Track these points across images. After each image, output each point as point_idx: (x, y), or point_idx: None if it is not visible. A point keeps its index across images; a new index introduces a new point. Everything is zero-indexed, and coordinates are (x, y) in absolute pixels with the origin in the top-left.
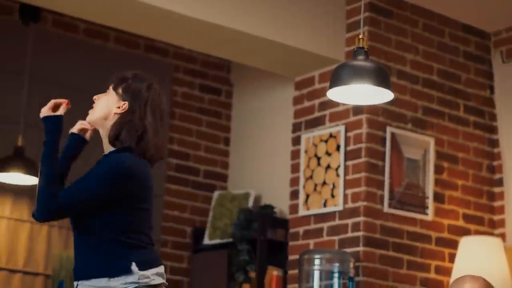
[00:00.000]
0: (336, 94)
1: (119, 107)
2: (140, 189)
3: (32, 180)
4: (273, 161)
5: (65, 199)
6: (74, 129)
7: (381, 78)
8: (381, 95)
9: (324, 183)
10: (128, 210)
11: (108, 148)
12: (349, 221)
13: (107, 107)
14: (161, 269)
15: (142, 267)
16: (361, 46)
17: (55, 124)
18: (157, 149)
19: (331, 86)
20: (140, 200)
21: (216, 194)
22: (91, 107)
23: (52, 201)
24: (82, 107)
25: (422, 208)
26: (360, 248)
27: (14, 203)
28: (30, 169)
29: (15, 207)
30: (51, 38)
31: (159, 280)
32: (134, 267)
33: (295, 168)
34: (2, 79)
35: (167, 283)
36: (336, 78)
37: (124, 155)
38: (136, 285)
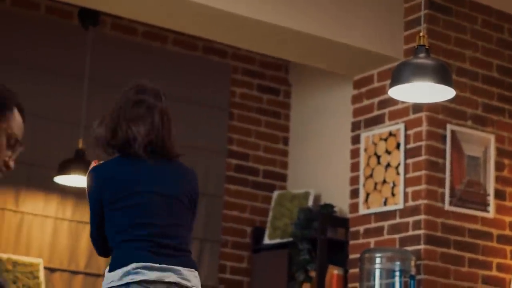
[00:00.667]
0: (397, 92)
1: None
2: (107, 190)
3: None
4: (332, 160)
5: (91, 232)
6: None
7: (443, 75)
8: (442, 93)
9: (384, 181)
10: (106, 215)
11: None
12: (410, 219)
13: None
14: (129, 267)
15: (110, 269)
16: (422, 43)
17: None
18: (134, 142)
19: (392, 85)
20: (111, 201)
21: (275, 193)
22: None
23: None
24: None
25: (483, 206)
26: (421, 246)
27: (76, 205)
28: None
29: (77, 209)
30: (110, 41)
31: (122, 281)
32: (106, 270)
33: (354, 167)
34: (62, 83)
35: (153, 279)
36: (397, 76)
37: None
38: None
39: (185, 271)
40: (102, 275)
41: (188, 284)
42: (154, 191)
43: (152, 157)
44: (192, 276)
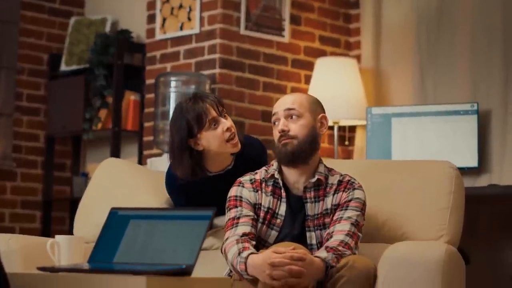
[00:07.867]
0: None
1: None
2: None
3: None
4: None
5: None
6: None
7: None
8: None
9: (181, 6)
10: None
11: None
12: (206, 44)
13: None
14: None
15: None
16: None
17: None
18: None
19: None
20: None
21: (72, 20)
22: None
23: None
24: None
25: (279, 30)
26: (217, 70)
27: None
28: None
29: None
30: None
31: None
32: None
33: None
34: None
35: None
36: None
37: None
38: None
39: None
40: None
41: None
42: None
43: None
44: None
